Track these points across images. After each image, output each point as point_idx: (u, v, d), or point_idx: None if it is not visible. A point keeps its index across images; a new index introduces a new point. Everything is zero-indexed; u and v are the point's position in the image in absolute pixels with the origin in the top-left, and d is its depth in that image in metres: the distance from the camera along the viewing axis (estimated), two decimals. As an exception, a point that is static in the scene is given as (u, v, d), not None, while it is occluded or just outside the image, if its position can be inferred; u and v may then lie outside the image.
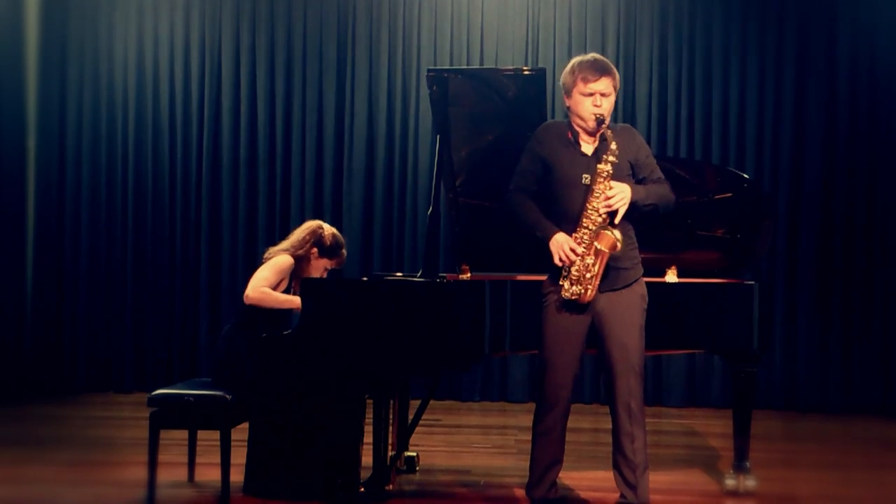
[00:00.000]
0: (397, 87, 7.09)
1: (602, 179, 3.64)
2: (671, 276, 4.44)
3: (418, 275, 4.21)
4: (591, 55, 3.80)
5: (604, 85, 3.69)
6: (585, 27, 6.99)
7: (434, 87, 4.13)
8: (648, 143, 6.90)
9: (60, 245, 7.17)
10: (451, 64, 6.95)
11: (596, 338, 3.79)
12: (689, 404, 6.87)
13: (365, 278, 4.99)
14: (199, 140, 7.15)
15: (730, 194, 4.51)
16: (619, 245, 3.62)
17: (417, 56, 7.07)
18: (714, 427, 6.04)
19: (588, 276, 3.66)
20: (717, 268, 4.62)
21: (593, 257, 3.65)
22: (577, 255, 3.65)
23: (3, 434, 5.66)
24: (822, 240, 6.86)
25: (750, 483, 4.39)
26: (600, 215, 3.64)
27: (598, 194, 3.64)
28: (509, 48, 7.03)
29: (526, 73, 4.21)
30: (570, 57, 6.91)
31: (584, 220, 3.66)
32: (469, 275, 4.46)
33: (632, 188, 3.69)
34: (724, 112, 6.94)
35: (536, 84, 4.14)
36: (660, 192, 3.79)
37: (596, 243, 3.63)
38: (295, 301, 4.22)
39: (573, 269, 3.67)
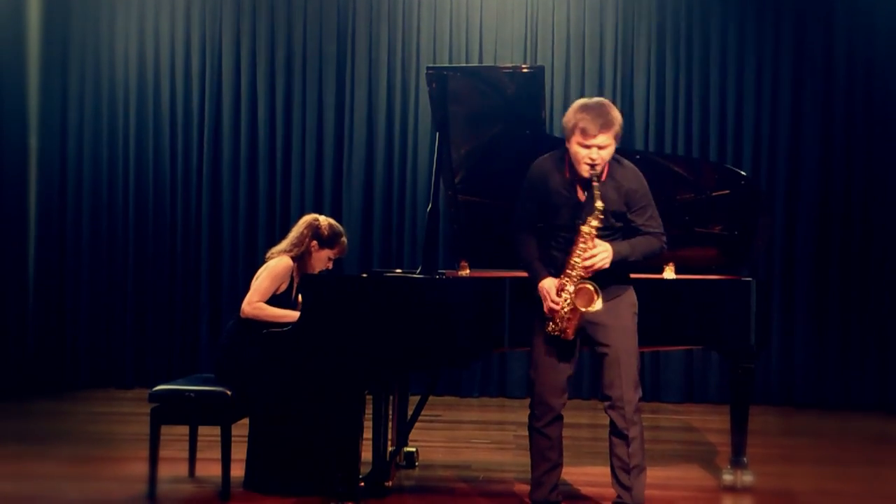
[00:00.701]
0: (397, 84, 7.10)
1: (584, 239, 3.61)
2: (669, 273, 4.46)
3: (417, 271, 4.22)
4: (596, 101, 3.65)
5: (602, 139, 3.56)
6: (584, 25, 7.01)
7: (433, 85, 4.14)
8: (646, 140, 6.96)
9: (62, 242, 7.19)
10: (451, 62, 6.97)
11: (590, 342, 3.80)
12: (686, 400, 6.90)
13: (364, 275, 5.01)
14: (200, 137, 7.17)
15: (727, 191, 4.51)
16: (595, 307, 3.60)
17: (417, 54, 7.09)
18: (711, 422, 6.06)
19: (567, 320, 3.67)
20: (715, 264, 4.63)
21: (570, 306, 3.65)
22: (558, 306, 3.66)
23: (6, 430, 5.68)
24: (819, 236, 6.87)
25: (747, 478, 4.42)
26: (583, 269, 3.62)
27: (580, 252, 3.62)
28: (508, 46, 7.04)
29: (524, 70, 4.21)
30: (568, 55, 7.02)
31: (569, 269, 3.65)
32: (468, 271, 4.49)
33: (615, 247, 3.65)
34: (722, 109, 6.95)
35: (535, 82, 4.14)
36: (645, 246, 3.73)
37: (575, 299, 3.63)
38: (290, 315, 4.23)
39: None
